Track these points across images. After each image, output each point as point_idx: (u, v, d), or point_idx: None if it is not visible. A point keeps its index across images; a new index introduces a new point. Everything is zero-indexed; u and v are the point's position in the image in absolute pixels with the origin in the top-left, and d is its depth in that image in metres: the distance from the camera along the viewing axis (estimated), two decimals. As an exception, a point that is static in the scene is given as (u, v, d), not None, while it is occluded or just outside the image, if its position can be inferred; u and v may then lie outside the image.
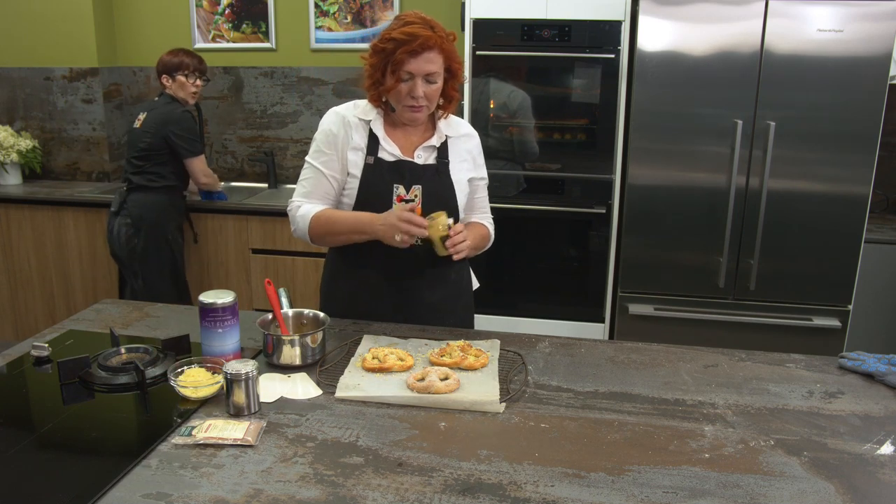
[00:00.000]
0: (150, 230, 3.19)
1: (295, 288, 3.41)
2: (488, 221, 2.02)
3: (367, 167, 1.82)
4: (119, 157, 4.04)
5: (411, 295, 1.89)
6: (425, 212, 1.77)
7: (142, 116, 3.22)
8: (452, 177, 1.86)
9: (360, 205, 1.83)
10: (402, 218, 1.67)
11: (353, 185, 1.83)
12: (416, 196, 1.81)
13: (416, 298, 1.89)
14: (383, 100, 1.82)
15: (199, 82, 3.27)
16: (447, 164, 1.86)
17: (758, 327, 2.99)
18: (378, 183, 1.81)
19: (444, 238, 1.69)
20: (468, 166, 1.91)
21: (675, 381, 1.57)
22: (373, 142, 1.82)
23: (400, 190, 1.81)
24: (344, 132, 1.84)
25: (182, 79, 3.21)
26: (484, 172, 1.98)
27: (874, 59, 2.71)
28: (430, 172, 1.84)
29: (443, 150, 1.86)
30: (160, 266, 3.24)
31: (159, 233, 3.21)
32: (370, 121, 1.83)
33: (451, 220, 1.70)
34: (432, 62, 1.71)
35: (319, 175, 1.85)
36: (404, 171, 1.82)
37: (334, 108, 1.89)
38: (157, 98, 3.30)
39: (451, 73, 1.79)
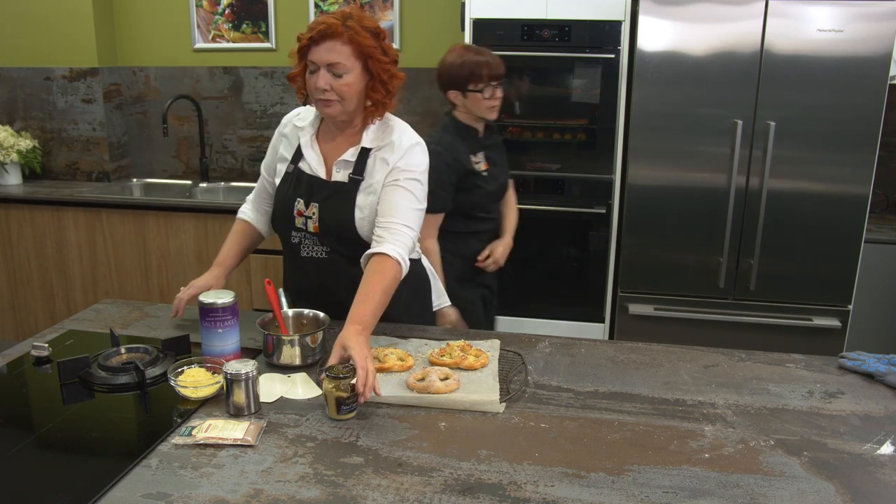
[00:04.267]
0: None
1: (295, 288, 3.40)
2: (393, 242, 1.64)
3: (284, 177, 1.82)
4: (119, 157, 4.05)
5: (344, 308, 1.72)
6: (322, 228, 1.73)
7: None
8: (360, 197, 1.72)
9: (273, 211, 1.86)
10: (363, 367, 1.39)
11: (273, 192, 1.87)
12: (313, 213, 1.75)
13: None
14: (303, 96, 1.78)
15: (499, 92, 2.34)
16: (358, 181, 1.73)
17: (758, 327, 2.99)
18: (286, 195, 1.80)
19: (341, 400, 1.36)
20: (389, 185, 1.70)
21: (675, 381, 1.57)
22: (298, 151, 1.81)
23: (300, 205, 1.76)
24: (277, 139, 1.87)
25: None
26: (411, 177, 1.71)
27: (874, 59, 2.71)
28: (331, 190, 1.74)
29: (359, 165, 1.73)
30: None
31: None
32: (302, 128, 1.82)
33: (354, 381, 1.36)
34: (335, 52, 1.62)
35: (261, 179, 1.94)
36: (307, 186, 1.77)
37: (290, 112, 1.90)
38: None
39: (371, 73, 1.67)
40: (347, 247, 1.76)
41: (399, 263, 1.63)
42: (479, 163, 2.35)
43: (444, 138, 2.29)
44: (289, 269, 1.91)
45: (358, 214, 1.73)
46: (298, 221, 1.78)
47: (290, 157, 1.82)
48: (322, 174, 1.77)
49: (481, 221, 2.42)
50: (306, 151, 1.79)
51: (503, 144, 2.56)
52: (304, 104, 1.83)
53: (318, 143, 1.80)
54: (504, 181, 2.49)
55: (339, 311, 1.74)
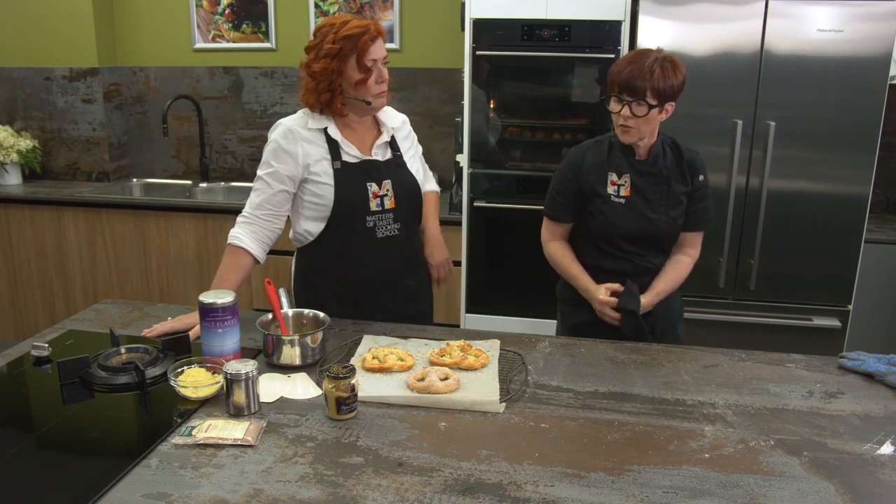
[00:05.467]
0: None
1: (295, 288, 3.40)
2: (433, 184, 2.16)
3: (336, 172, 1.86)
4: (119, 157, 4.05)
5: (406, 289, 2.01)
6: (397, 202, 1.91)
7: None
8: (409, 167, 1.98)
9: (338, 206, 1.86)
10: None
11: (326, 192, 1.85)
12: (388, 190, 1.91)
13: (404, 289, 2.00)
14: (339, 104, 1.85)
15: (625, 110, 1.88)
16: (401, 156, 1.98)
17: (758, 327, 2.99)
18: (352, 184, 1.87)
19: (341, 400, 1.37)
20: (414, 150, 2.06)
21: (675, 381, 1.57)
22: (333, 147, 1.87)
23: (373, 187, 1.89)
24: (297, 148, 1.85)
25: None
26: (419, 148, 2.11)
27: (874, 59, 2.71)
28: (392, 167, 1.94)
29: (394, 144, 1.97)
30: None
31: None
32: (326, 128, 1.87)
33: (354, 381, 1.37)
34: (384, 46, 1.86)
35: (267, 188, 1.86)
36: (372, 170, 1.90)
37: (284, 121, 1.90)
38: None
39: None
40: (413, 216, 1.99)
41: (437, 191, 2.17)
42: (620, 186, 1.94)
43: (584, 143, 2.06)
44: (351, 259, 1.91)
45: (416, 177, 1.99)
46: (373, 204, 1.89)
47: (328, 156, 1.86)
48: (371, 158, 1.92)
49: (607, 257, 1.97)
50: (344, 145, 1.88)
51: (693, 186, 1.97)
52: (368, 103, 1.86)
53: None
54: (651, 226, 1.93)
55: (402, 294, 1.99)
